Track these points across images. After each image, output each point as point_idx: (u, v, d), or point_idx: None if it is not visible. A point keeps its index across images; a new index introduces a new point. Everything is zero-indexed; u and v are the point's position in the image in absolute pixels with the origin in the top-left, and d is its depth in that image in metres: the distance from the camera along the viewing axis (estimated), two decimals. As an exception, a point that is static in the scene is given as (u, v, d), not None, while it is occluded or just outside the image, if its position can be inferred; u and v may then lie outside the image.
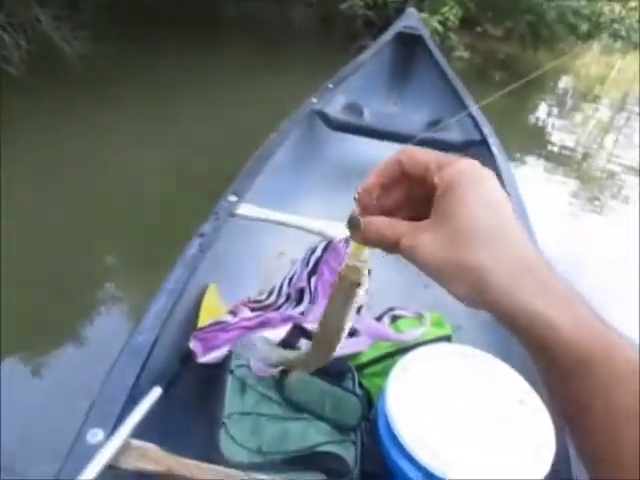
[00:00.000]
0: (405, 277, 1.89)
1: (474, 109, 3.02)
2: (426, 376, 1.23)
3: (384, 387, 1.20)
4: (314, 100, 3.02)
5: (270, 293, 1.70)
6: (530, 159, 5.22)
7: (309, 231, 1.85)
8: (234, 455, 1.12)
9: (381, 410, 1.17)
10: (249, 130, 3.47)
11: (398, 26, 4.40)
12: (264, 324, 1.41)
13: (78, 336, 2.29)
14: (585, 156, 5.80)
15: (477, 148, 2.74)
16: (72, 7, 5.21)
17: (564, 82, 9.11)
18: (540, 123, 6.94)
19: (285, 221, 1.91)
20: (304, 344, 1.35)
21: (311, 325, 1.38)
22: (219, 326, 1.41)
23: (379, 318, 1.58)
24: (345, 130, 3.01)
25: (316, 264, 1.64)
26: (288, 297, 1.64)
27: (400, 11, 5.40)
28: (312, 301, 1.55)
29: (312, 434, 1.18)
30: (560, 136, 6.22)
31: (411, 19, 4.52)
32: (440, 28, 7.43)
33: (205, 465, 1.06)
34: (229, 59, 5.81)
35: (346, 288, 0.48)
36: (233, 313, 1.54)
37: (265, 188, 2.14)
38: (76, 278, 2.58)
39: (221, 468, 1.06)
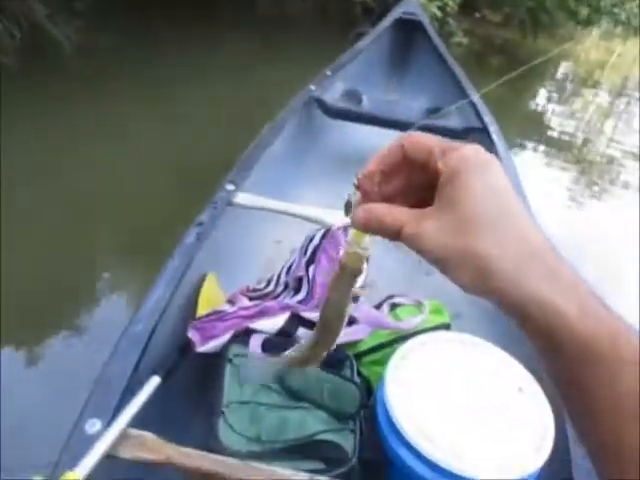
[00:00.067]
0: (406, 265, 1.89)
1: (475, 96, 3.00)
2: (425, 364, 1.23)
3: (383, 375, 1.20)
4: (312, 87, 2.99)
5: (268, 282, 1.70)
6: (530, 145, 5.20)
7: (307, 219, 1.84)
8: (233, 444, 1.12)
9: (380, 398, 1.17)
10: (247, 120, 3.44)
11: (397, 12, 4.37)
12: (262, 313, 1.41)
13: (76, 327, 2.29)
14: (585, 141, 5.79)
15: (477, 135, 2.72)
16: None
17: (564, 68, 9.07)
18: (540, 109, 6.91)
19: (283, 209, 1.90)
20: (302, 333, 1.34)
21: (309, 314, 1.38)
22: (217, 315, 1.41)
23: (378, 306, 1.57)
24: (344, 117, 2.99)
25: (314, 252, 1.64)
26: (286, 286, 1.64)
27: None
28: (310, 290, 1.54)
29: (311, 423, 1.18)
30: (560, 121, 6.20)
31: (410, 5, 4.47)
32: (439, 14, 7.40)
33: (204, 454, 1.06)
34: (227, 51, 5.75)
35: (347, 275, 0.47)
36: (231, 302, 1.54)
37: (263, 176, 2.13)
38: (75, 270, 2.57)
39: (220, 457, 1.06)
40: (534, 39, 8.80)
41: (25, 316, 2.24)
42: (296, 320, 1.36)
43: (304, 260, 1.64)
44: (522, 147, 5.01)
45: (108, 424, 1.05)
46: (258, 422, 1.17)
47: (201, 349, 1.34)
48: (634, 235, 3.20)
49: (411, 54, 4.21)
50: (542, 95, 7.39)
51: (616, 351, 0.34)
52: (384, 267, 1.72)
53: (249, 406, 1.21)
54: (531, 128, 5.75)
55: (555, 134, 5.69)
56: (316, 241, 1.67)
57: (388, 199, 0.43)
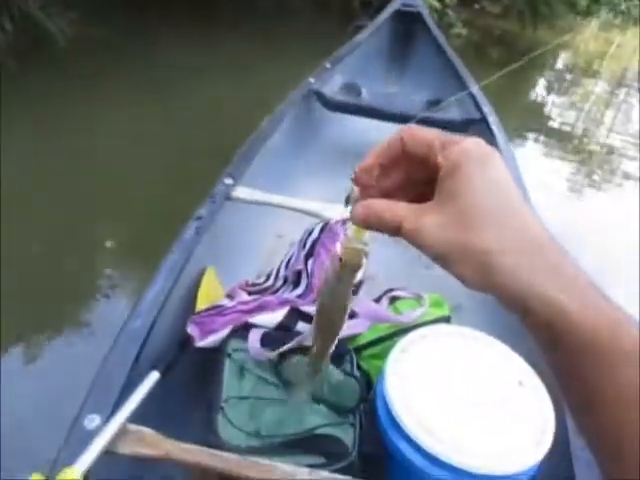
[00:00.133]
0: (406, 258, 1.88)
1: (474, 88, 2.99)
2: (425, 357, 1.22)
3: (383, 369, 1.20)
4: (311, 80, 2.97)
5: (268, 276, 1.69)
6: (530, 136, 5.19)
7: (306, 213, 1.84)
8: (232, 439, 1.12)
9: (380, 392, 1.17)
10: (247, 114, 3.42)
11: (396, 4, 4.35)
12: (261, 308, 1.41)
13: (76, 324, 2.29)
14: (585, 132, 5.78)
15: (477, 127, 2.71)
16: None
17: (563, 58, 9.05)
18: (539, 100, 6.89)
19: (282, 203, 1.89)
20: (301, 327, 1.34)
21: (308, 307, 1.38)
22: (216, 310, 1.40)
23: (378, 299, 1.57)
24: (343, 110, 2.98)
25: (313, 246, 1.63)
26: (285, 280, 1.63)
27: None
28: (309, 283, 1.54)
29: (310, 417, 1.18)
30: (559, 112, 6.19)
31: None
32: (438, 5, 7.37)
33: (203, 449, 1.05)
34: (225, 44, 5.73)
35: (347, 270, 0.47)
36: (230, 297, 1.53)
37: (262, 170, 2.12)
38: (75, 268, 2.58)
39: (219, 452, 1.06)
40: (533, 30, 8.76)
41: (25, 315, 2.24)
42: (295, 314, 1.36)
43: (303, 254, 1.64)
44: (522, 138, 5.00)
45: (107, 420, 1.05)
46: (258, 417, 1.17)
47: (200, 344, 1.33)
48: (634, 225, 3.20)
49: (410, 46, 4.19)
50: (541, 86, 7.37)
51: (616, 342, 0.35)
52: (384, 260, 1.71)
53: (248, 401, 1.20)
54: (531, 119, 5.74)
55: (555, 125, 5.68)
56: (315, 235, 1.67)
57: (387, 194, 0.42)
